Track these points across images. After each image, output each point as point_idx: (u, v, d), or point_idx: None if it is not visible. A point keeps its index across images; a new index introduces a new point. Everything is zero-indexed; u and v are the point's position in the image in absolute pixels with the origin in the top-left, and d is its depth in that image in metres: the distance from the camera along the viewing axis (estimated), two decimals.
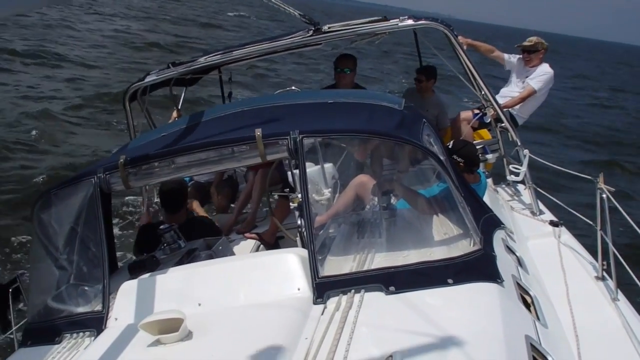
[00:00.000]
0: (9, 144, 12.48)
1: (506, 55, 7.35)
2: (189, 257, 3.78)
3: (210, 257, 3.76)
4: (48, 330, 3.25)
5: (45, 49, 23.27)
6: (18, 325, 3.62)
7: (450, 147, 4.82)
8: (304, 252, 3.07)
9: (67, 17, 34.49)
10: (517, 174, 5.67)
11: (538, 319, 3.06)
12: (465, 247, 3.14)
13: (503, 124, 6.02)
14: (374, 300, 2.76)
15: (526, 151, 5.63)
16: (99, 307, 3.24)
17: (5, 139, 12.68)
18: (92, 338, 3.09)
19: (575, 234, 5.12)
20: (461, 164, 4.62)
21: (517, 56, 7.17)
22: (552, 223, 5.23)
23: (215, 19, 49.90)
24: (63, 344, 3.12)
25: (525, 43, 7.00)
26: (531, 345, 2.56)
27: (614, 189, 3.99)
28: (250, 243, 5.01)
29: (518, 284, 3.24)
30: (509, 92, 7.13)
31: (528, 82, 6.89)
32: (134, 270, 3.62)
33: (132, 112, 5.93)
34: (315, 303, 2.84)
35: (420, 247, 3.19)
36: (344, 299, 2.80)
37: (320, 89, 6.90)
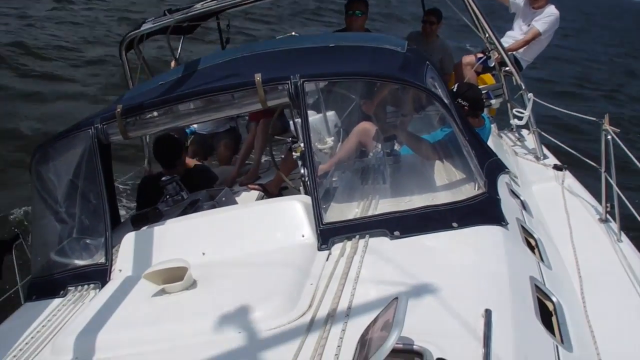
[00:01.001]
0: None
1: None
2: (192, 209, 3.76)
3: (214, 207, 3.74)
4: (52, 284, 3.26)
5: None
6: (24, 282, 3.64)
7: (454, 90, 4.74)
8: (308, 199, 3.05)
9: None
10: (520, 118, 5.62)
11: (542, 260, 3.06)
12: (469, 191, 3.11)
13: (507, 68, 5.93)
14: (378, 245, 2.75)
15: (530, 95, 5.55)
16: (102, 260, 3.24)
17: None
18: (97, 290, 3.09)
19: (580, 177, 5.09)
20: (465, 107, 4.55)
21: None
22: (556, 167, 5.21)
23: None
24: (68, 296, 3.12)
25: None
26: (535, 286, 2.56)
27: (618, 130, 3.93)
28: (254, 194, 5.00)
29: (522, 227, 3.23)
30: (514, 36, 6.98)
31: (533, 24, 6.72)
32: (137, 223, 3.61)
33: (128, 62, 5.84)
34: (319, 249, 2.83)
35: (425, 192, 3.17)
36: (349, 244, 2.78)
37: (333, 32, 6.75)
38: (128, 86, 5.82)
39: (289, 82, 3.13)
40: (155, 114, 3.43)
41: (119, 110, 3.39)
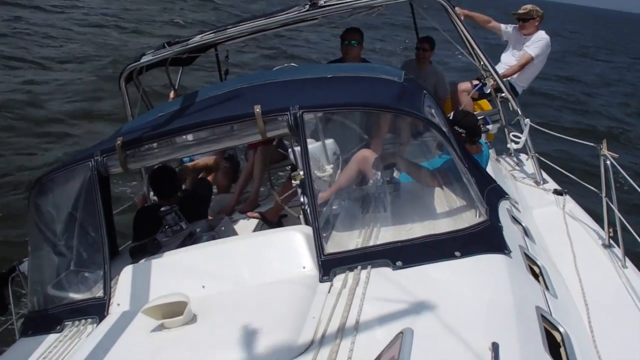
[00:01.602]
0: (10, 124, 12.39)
1: (503, 26, 7.27)
2: (191, 239, 3.73)
3: (213, 238, 3.70)
4: (49, 319, 3.21)
5: None
6: (19, 315, 3.59)
7: (451, 118, 4.75)
8: (308, 230, 3.02)
9: None
10: (517, 142, 5.63)
11: (547, 289, 3.03)
12: (471, 218, 3.09)
13: (503, 94, 5.96)
14: (381, 275, 2.71)
15: (527, 120, 5.59)
16: (100, 293, 3.20)
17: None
18: (95, 325, 3.04)
19: (580, 202, 5.08)
20: (463, 134, 4.56)
21: (514, 26, 7.09)
22: (556, 192, 5.20)
23: None
24: (65, 332, 3.08)
25: (520, 11, 6.92)
26: (542, 316, 2.52)
27: (617, 155, 3.93)
28: (253, 222, 4.97)
29: (525, 254, 3.20)
30: (507, 62, 7.06)
31: (525, 50, 6.81)
32: (135, 254, 3.58)
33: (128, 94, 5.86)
34: (321, 281, 2.79)
35: (426, 220, 3.15)
36: (351, 275, 2.75)
37: (327, 63, 6.81)
38: (127, 117, 5.83)
39: (288, 113, 3.14)
40: (155, 145, 3.42)
41: (119, 142, 3.38)
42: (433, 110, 3.71)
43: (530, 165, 5.87)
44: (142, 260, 3.32)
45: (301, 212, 3.86)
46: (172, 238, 3.84)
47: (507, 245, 2.90)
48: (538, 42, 6.79)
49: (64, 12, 27.69)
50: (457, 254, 2.77)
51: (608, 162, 3.90)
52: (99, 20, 26.88)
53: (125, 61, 6.17)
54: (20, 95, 14.57)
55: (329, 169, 4.06)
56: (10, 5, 25.89)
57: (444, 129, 3.46)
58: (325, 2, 4.90)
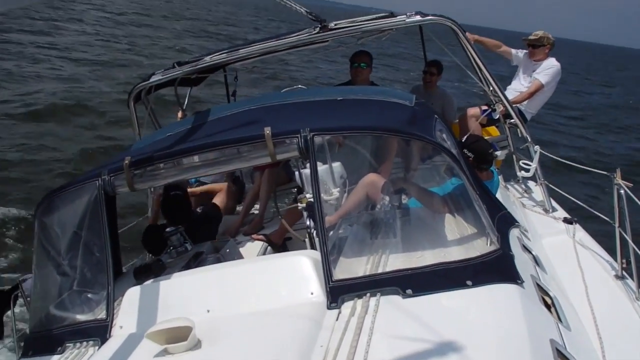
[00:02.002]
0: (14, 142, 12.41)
1: (513, 51, 7.26)
2: (196, 261, 3.69)
3: (218, 260, 3.66)
4: (50, 340, 3.15)
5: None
6: (19, 334, 3.53)
7: (462, 141, 4.71)
8: (316, 255, 2.97)
9: None
10: (527, 170, 5.57)
11: (560, 321, 2.95)
12: (482, 246, 3.03)
13: (512, 120, 5.91)
14: (390, 304, 2.65)
15: (537, 147, 5.53)
16: (103, 315, 3.14)
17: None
18: (96, 347, 2.98)
19: (590, 230, 5.00)
20: (470, 158, 4.51)
21: (524, 51, 7.08)
22: (565, 220, 5.12)
23: None
24: (66, 354, 3.01)
25: (531, 37, 6.93)
26: (557, 349, 2.45)
27: (632, 185, 3.87)
28: (258, 245, 4.92)
29: (537, 284, 3.13)
30: (516, 88, 7.05)
31: (535, 77, 6.80)
32: (140, 275, 3.53)
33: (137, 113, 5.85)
34: (329, 308, 2.73)
35: (436, 247, 3.08)
36: (359, 303, 2.68)
37: (335, 86, 6.80)
38: (136, 137, 5.81)
39: (298, 135, 3.10)
40: (162, 166, 3.39)
41: (127, 162, 3.34)
42: (444, 135, 3.67)
43: (539, 193, 5.81)
44: (147, 282, 3.27)
45: (307, 236, 3.80)
46: (176, 259, 3.81)
47: (519, 275, 2.84)
48: (549, 70, 6.78)
49: None
50: (469, 283, 2.71)
51: (622, 191, 3.83)
52: None
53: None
54: None
55: (335, 192, 4.03)
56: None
57: (456, 154, 3.41)
58: (335, 25, 4.89)
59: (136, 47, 29.46)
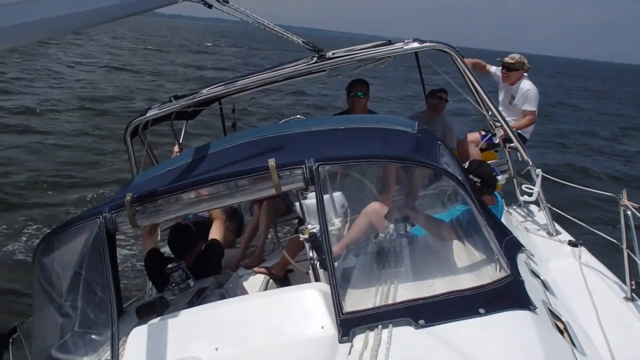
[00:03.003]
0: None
1: (493, 68, 7.41)
2: (199, 297, 3.61)
3: (222, 295, 3.59)
4: None
5: None
6: None
7: (465, 167, 4.70)
8: (324, 287, 2.90)
9: None
10: (530, 194, 5.53)
11: (575, 346, 2.89)
12: (492, 273, 2.98)
13: (512, 144, 5.91)
14: (403, 335, 2.58)
15: (539, 170, 5.50)
16: (107, 356, 3.04)
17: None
18: None
19: (596, 252, 4.95)
20: (478, 183, 4.49)
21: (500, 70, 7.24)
22: (570, 243, 5.08)
23: None
24: None
25: (507, 59, 7.06)
26: None
27: (638, 205, 3.83)
28: (260, 278, 4.86)
29: (549, 309, 3.07)
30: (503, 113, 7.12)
31: (523, 109, 6.95)
32: (143, 314, 3.43)
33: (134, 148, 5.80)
34: (341, 342, 2.65)
35: (446, 275, 3.03)
36: (371, 335, 2.61)
37: (333, 115, 6.80)
38: (133, 173, 5.75)
39: (303, 166, 3.06)
40: (165, 201, 3.33)
41: (128, 198, 3.28)
42: (448, 160, 3.64)
43: (541, 216, 5.77)
44: (151, 321, 3.18)
45: (310, 267, 3.74)
46: (179, 296, 3.72)
47: (531, 301, 2.79)
48: (530, 97, 6.94)
49: None
50: (482, 311, 2.65)
51: (629, 212, 3.80)
52: None
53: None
54: None
55: (337, 222, 3.98)
56: None
57: (461, 179, 3.38)
58: (333, 54, 4.89)
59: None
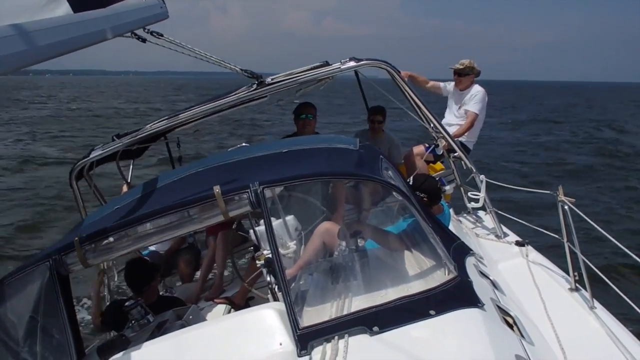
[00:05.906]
0: None
1: (442, 84, 7.60)
2: (159, 331, 3.60)
3: (183, 326, 3.58)
4: None
5: None
6: None
7: (411, 183, 4.80)
8: (280, 305, 2.96)
9: None
10: (476, 201, 5.71)
11: (523, 337, 3.02)
12: (441, 276, 3.10)
13: (456, 154, 6.08)
14: (359, 343, 2.66)
15: (482, 177, 5.67)
16: None
17: None
18: None
19: (542, 249, 5.15)
20: (425, 199, 4.60)
21: (452, 83, 7.41)
22: (517, 243, 5.26)
23: None
24: None
25: (457, 65, 7.25)
26: None
27: (574, 200, 4.02)
28: (221, 308, 4.85)
29: (498, 306, 3.20)
30: (450, 121, 7.32)
31: (467, 109, 7.11)
32: (103, 353, 3.41)
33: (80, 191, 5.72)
34: (299, 356, 2.71)
35: (397, 283, 3.13)
36: (329, 346, 2.68)
37: (282, 138, 6.85)
38: (81, 215, 5.67)
39: (248, 190, 3.13)
40: (115, 238, 3.33)
41: (77, 238, 3.28)
42: (391, 173, 3.76)
43: (489, 221, 5.94)
44: (113, 357, 3.16)
45: (269, 292, 3.79)
46: (139, 332, 3.71)
47: (479, 299, 2.91)
48: (476, 97, 7.12)
49: None
50: (432, 312, 2.76)
51: (566, 207, 3.97)
52: None
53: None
54: None
55: (292, 245, 4.04)
56: None
57: (405, 191, 3.50)
58: (272, 80, 4.97)
59: None
